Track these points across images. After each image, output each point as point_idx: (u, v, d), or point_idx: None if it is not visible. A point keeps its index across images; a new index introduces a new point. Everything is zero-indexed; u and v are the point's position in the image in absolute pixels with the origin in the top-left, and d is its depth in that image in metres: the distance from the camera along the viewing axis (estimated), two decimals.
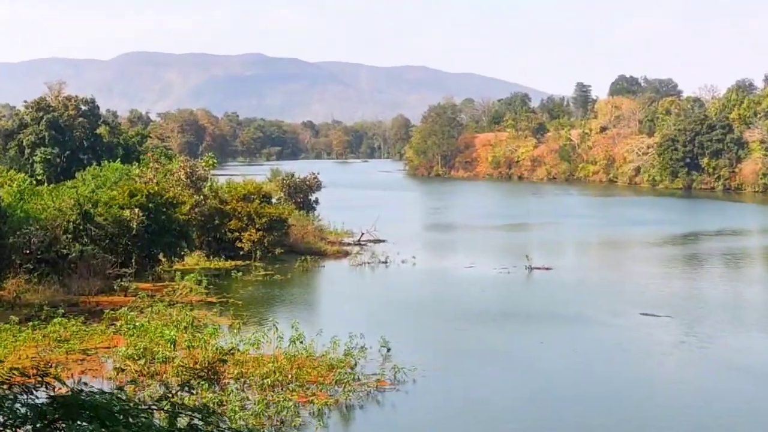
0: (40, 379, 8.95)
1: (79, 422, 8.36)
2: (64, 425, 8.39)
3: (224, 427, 9.20)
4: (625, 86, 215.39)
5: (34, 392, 8.86)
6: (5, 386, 8.69)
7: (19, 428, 8.45)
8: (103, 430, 8.37)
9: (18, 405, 8.58)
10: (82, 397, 8.58)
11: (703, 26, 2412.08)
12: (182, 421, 9.23)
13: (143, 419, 8.74)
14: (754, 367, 35.36)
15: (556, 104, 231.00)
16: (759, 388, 32.51)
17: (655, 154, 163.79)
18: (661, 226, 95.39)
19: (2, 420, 8.57)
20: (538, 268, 60.62)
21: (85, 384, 9.25)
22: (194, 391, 27.59)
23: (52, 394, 8.84)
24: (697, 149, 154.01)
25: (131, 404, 8.81)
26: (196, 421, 9.18)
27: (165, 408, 9.34)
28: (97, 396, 8.66)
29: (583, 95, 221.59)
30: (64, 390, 9.69)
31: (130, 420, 8.59)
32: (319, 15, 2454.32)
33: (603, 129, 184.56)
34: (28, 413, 8.53)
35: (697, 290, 55.25)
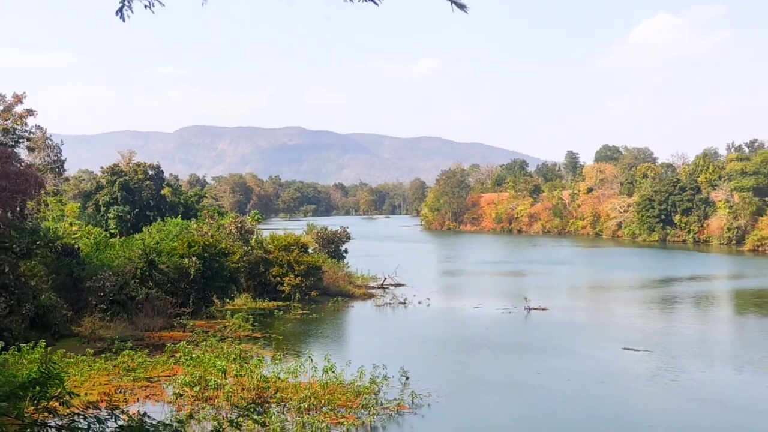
0: (110, 412, 8.87)
1: None
2: None
3: None
4: (608, 154, 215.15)
5: (105, 423, 8.78)
6: (80, 417, 8.61)
7: None
8: None
9: None
10: (145, 429, 8.50)
11: (675, 104, 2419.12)
12: None
13: None
14: (714, 398, 34.84)
15: (550, 169, 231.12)
16: (717, 416, 31.97)
17: (635, 212, 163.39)
18: (640, 272, 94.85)
19: None
20: (535, 309, 60.28)
21: (147, 415, 9.13)
22: (242, 427, 27.39)
23: (120, 425, 8.76)
24: (671, 207, 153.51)
25: None
26: None
27: None
28: (158, 427, 8.56)
29: (573, 161, 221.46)
30: (129, 420, 9.61)
31: None
32: (349, 93, 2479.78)
33: (590, 190, 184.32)
34: None
35: (671, 328, 54.65)
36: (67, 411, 8.70)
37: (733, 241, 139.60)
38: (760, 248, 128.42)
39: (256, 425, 27.67)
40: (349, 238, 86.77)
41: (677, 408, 32.96)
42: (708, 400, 34.10)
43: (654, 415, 32.02)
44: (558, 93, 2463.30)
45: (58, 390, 8.98)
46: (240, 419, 27.53)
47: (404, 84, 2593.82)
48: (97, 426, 8.69)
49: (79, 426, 8.56)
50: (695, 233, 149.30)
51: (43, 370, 9.30)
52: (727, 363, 41.40)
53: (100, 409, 8.87)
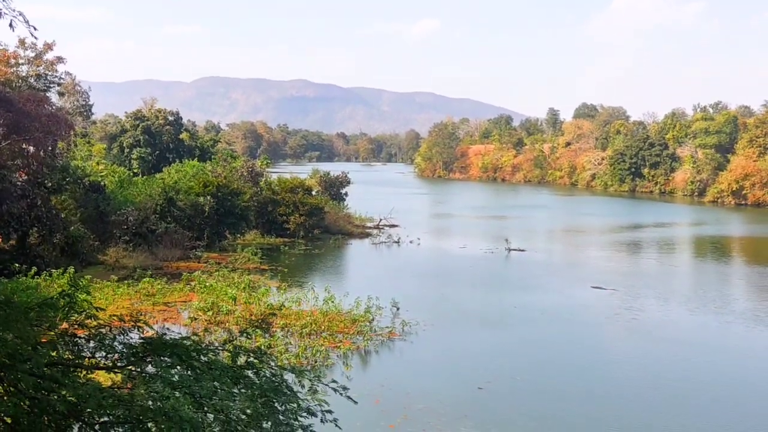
0: (134, 324, 9.02)
1: (163, 358, 8.43)
2: (151, 360, 8.46)
3: (273, 364, 9.24)
4: (586, 111, 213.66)
5: (129, 334, 8.94)
6: (107, 328, 8.76)
7: (118, 362, 8.55)
8: (181, 363, 8.45)
9: (116, 343, 8.66)
10: (166, 339, 8.65)
11: (650, 68, 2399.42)
12: (241, 359, 9.29)
13: (211, 356, 8.80)
14: (668, 335, 35.33)
15: (532, 124, 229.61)
16: (668, 350, 32.43)
17: (608, 165, 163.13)
18: (611, 218, 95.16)
19: (104, 355, 8.65)
20: (515, 249, 60.58)
21: (168, 329, 9.34)
22: (251, 337, 27.75)
23: (143, 335, 8.91)
24: (640, 161, 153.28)
25: (202, 345, 8.86)
26: (252, 359, 9.23)
27: (228, 349, 9.39)
28: (177, 339, 8.73)
29: (554, 117, 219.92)
30: (151, 333, 9.77)
31: (202, 357, 8.65)
32: (354, 51, 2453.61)
33: (568, 144, 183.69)
34: (124, 350, 8.61)
35: (636, 269, 55.07)
36: (95, 323, 8.84)
37: (696, 193, 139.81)
38: (719, 200, 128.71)
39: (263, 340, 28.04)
40: (349, 183, 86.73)
41: (634, 343, 33.42)
42: (662, 337, 34.56)
43: (613, 348, 32.51)
44: (544, 56, 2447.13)
45: (85, 305, 9.13)
46: (250, 330, 27.94)
47: (404, 42, 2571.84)
48: (122, 337, 8.84)
49: (106, 336, 8.71)
50: (662, 185, 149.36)
51: (71, 284, 9.45)
52: (683, 303, 41.78)
53: (124, 322, 9.01)
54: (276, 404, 8.54)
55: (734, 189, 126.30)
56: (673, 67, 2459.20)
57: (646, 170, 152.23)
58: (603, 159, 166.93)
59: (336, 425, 9.26)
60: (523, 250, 60.66)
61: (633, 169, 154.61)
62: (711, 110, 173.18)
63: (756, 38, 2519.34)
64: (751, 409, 24.73)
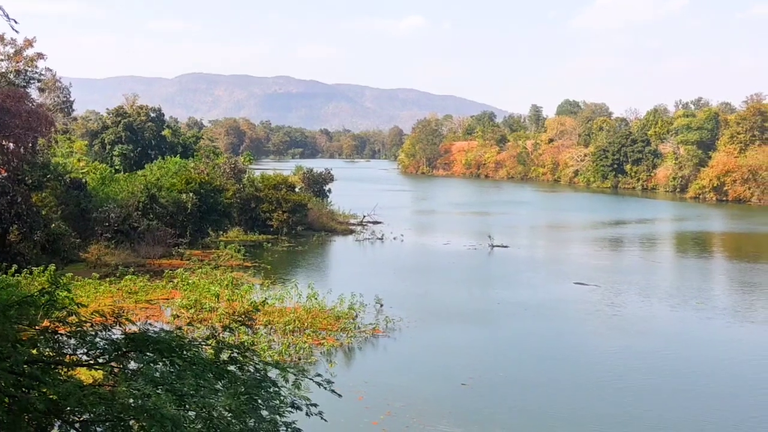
0: (115, 320, 8.97)
1: (146, 353, 8.39)
2: (133, 355, 8.41)
3: (256, 360, 9.22)
4: (568, 108, 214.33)
5: (111, 330, 8.89)
6: (88, 324, 8.70)
7: (99, 358, 8.50)
8: (164, 359, 8.41)
9: (98, 339, 8.60)
10: (149, 335, 8.61)
11: (632, 64, 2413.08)
12: (225, 355, 9.25)
13: (194, 352, 8.76)
14: (649, 331, 35.58)
15: (515, 120, 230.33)
16: (649, 344, 32.67)
17: (590, 161, 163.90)
18: (593, 215, 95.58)
19: (85, 351, 8.60)
20: (498, 246, 60.69)
21: (150, 325, 9.31)
22: (234, 333, 27.65)
23: (125, 331, 8.86)
24: (623, 157, 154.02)
25: (185, 341, 8.82)
26: (235, 354, 9.20)
27: (211, 344, 9.35)
28: (160, 334, 8.68)
29: (536, 114, 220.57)
30: (134, 329, 9.72)
31: (184, 352, 8.62)
32: (338, 47, 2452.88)
33: (550, 140, 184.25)
34: (106, 346, 8.55)
35: (618, 265, 55.34)
36: (76, 320, 8.78)
37: (678, 189, 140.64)
38: (700, 196, 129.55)
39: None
40: (333, 179, 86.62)
41: (616, 338, 33.60)
42: (643, 332, 34.79)
43: (595, 343, 32.67)
44: (527, 52, 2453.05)
45: (66, 302, 9.07)
46: (234, 325, 27.80)
47: (389, 39, 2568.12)
48: (104, 333, 8.79)
49: (88, 333, 8.66)
50: (644, 181, 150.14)
51: (51, 281, 9.38)
52: (665, 299, 42.01)
53: (106, 318, 8.95)
54: (259, 400, 8.52)
55: (715, 185, 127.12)
56: (655, 63, 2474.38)
57: (628, 166, 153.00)
58: (585, 155, 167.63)
59: (322, 418, 9.24)
60: (506, 247, 60.78)
61: (615, 166, 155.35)
62: (693, 107, 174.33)
63: (737, 35, 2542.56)
64: (727, 400, 24.94)
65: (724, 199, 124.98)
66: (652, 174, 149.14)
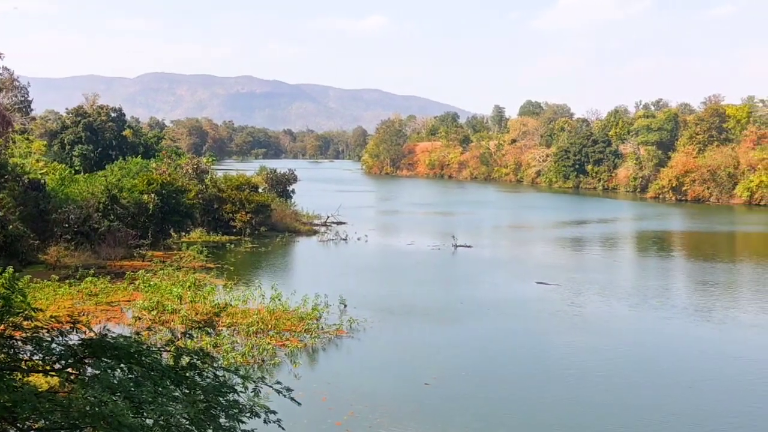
0: (72, 325, 8.82)
1: (104, 360, 8.26)
2: (91, 362, 8.27)
3: (217, 365, 9.12)
4: (531, 108, 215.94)
5: (69, 336, 8.73)
6: (44, 330, 8.55)
7: (56, 364, 8.34)
8: (122, 366, 8.28)
9: (54, 345, 8.45)
10: (107, 340, 8.47)
11: (594, 65, 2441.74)
12: (184, 360, 9.13)
13: (153, 358, 8.64)
14: (609, 329, 35.97)
15: (478, 121, 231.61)
16: (608, 343, 33.04)
17: (552, 161, 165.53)
18: (555, 214, 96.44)
19: (41, 357, 8.44)
20: (462, 246, 60.94)
21: (109, 330, 9.17)
22: (194, 338, 27.42)
23: (82, 337, 8.71)
24: (584, 158, 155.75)
25: (144, 347, 8.70)
26: (194, 360, 9.09)
27: (171, 350, 9.24)
28: (119, 340, 8.55)
29: (499, 114, 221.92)
30: (91, 334, 9.56)
31: (144, 359, 8.49)
32: (301, 47, 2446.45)
33: (513, 141, 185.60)
34: (63, 352, 8.40)
35: (580, 265, 55.83)
36: (32, 325, 8.61)
37: (638, 189, 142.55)
38: (660, 196, 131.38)
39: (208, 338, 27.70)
40: (296, 180, 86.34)
41: (577, 336, 33.92)
42: (603, 330, 35.17)
43: (556, 341, 32.93)
44: (490, 53, 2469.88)
45: (23, 306, 8.90)
46: (194, 331, 27.59)
47: (352, 39, 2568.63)
48: (60, 339, 8.63)
49: (44, 338, 8.50)
50: (605, 181, 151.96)
51: (7, 287, 9.20)
52: (624, 298, 42.46)
53: (62, 323, 8.79)
54: (218, 408, 8.43)
55: (675, 185, 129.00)
56: (616, 63, 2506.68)
57: (589, 167, 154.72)
58: (547, 156, 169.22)
59: (279, 425, 9.17)
60: (469, 246, 61.04)
61: (577, 166, 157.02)
62: (653, 107, 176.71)
63: (697, 37, 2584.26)
64: (685, 392, 25.31)
65: (684, 198, 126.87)
66: (613, 174, 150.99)
